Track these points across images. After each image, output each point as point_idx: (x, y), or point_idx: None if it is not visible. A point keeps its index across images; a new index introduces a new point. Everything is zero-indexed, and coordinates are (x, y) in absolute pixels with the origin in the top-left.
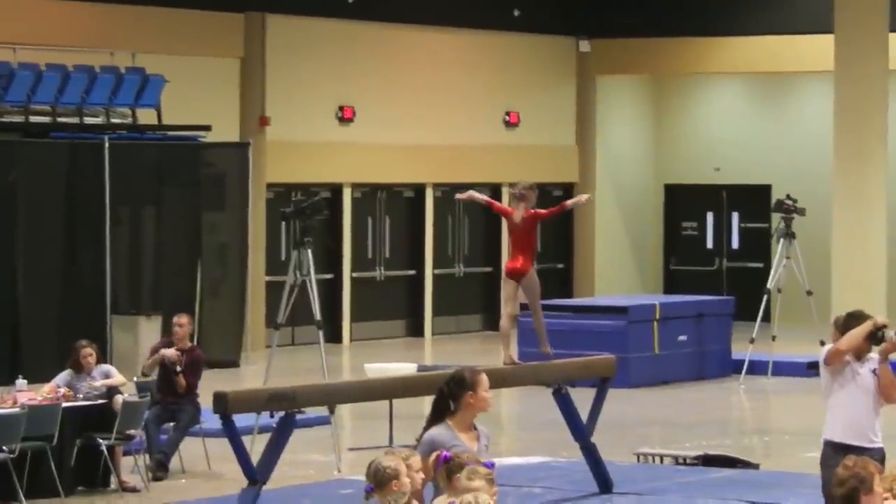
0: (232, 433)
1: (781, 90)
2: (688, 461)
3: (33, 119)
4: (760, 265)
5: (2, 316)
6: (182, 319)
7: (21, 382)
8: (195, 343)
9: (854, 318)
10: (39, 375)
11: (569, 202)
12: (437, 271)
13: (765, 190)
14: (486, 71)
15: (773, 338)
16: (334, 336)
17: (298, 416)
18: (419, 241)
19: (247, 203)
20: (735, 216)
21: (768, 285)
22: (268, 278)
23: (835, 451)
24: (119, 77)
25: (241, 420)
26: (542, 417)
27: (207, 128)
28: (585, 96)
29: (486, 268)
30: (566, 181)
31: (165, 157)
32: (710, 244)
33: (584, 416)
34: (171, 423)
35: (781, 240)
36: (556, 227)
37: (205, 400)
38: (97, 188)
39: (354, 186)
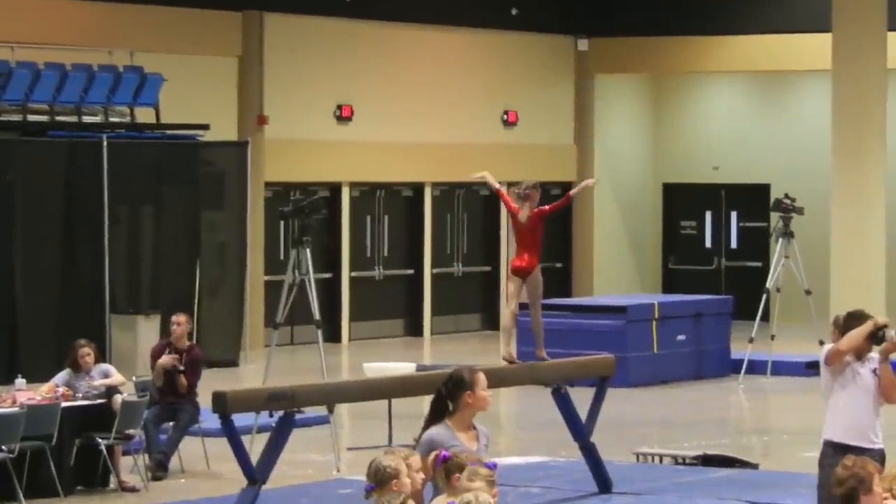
0: (231, 433)
1: (780, 89)
2: (687, 461)
3: (31, 118)
4: (759, 264)
5: (0, 315)
6: (180, 318)
7: (20, 382)
8: (194, 342)
9: (854, 318)
10: (37, 375)
11: (573, 190)
12: (435, 270)
13: (763, 189)
14: (485, 70)
15: (772, 337)
16: (333, 335)
17: (297, 416)
18: (418, 241)
19: (245, 202)
20: (734, 215)
21: (767, 285)
22: (266, 277)
23: (835, 452)
24: (117, 76)
25: (240, 419)
26: (541, 417)
27: (206, 126)
28: (584, 95)
29: (484, 267)
30: (564, 180)
31: (164, 155)
32: (708, 243)
33: (582, 415)
34: (171, 423)
35: (780, 239)
36: (554, 227)
37: (204, 399)
38: (95, 187)
39: (353, 185)
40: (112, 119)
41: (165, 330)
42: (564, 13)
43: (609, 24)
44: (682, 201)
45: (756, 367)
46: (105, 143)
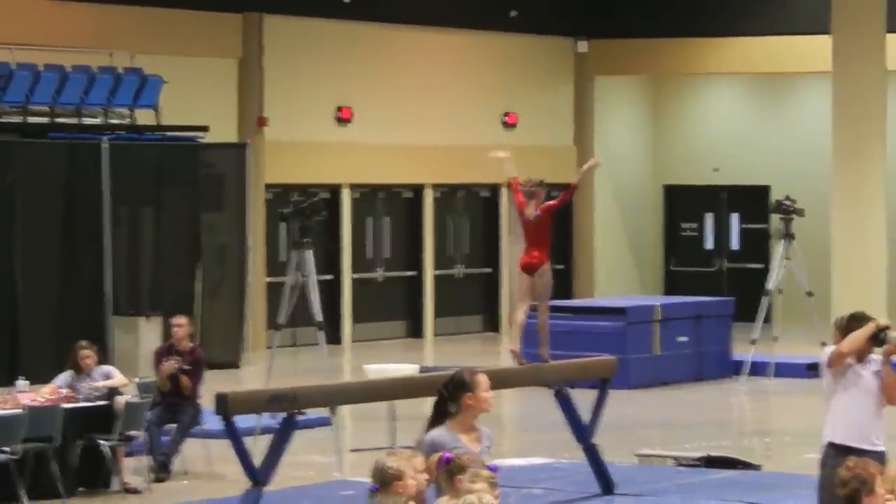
0: (233, 434)
1: (780, 91)
2: (689, 462)
3: (31, 120)
4: (760, 266)
5: (1, 317)
6: (180, 320)
7: (22, 383)
8: (196, 343)
9: (856, 320)
10: (38, 376)
11: (577, 178)
12: (437, 272)
13: (764, 190)
14: (485, 71)
15: (775, 338)
16: (335, 337)
17: (299, 418)
18: (419, 242)
19: (245, 204)
20: (734, 217)
21: (768, 286)
22: (267, 279)
23: (836, 453)
24: (117, 78)
25: (242, 421)
26: (544, 418)
27: (206, 128)
28: (583, 97)
29: (486, 268)
30: (564, 182)
31: (164, 157)
32: (709, 245)
33: (584, 417)
34: (173, 425)
35: (781, 241)
36: (555, 228)
37: (206, 401)
38: (96, 189)
39: (353, 187)
40: (112, 121)
41: (167, 331)
42: (564, 15)
43: (609, 25)
44: (682, 203)
45: (758, 369)
46: (105, 145)
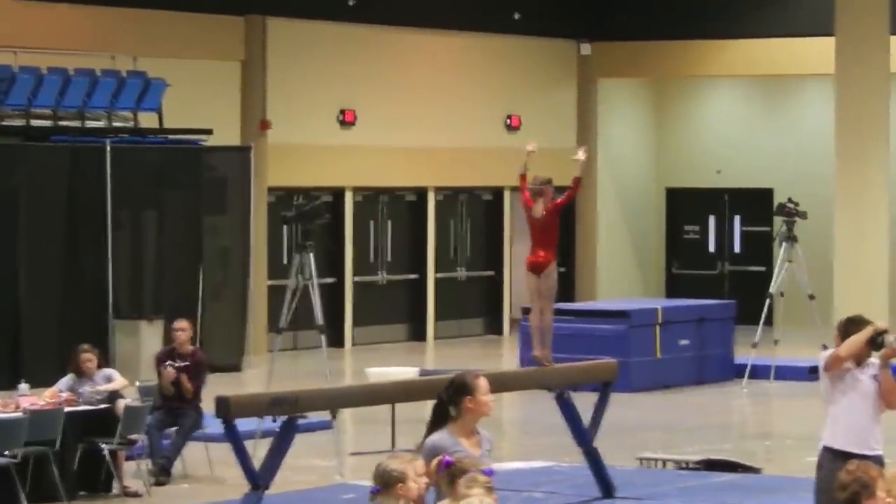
0: (234, 438)
1: (782, 93)
2: (690, 466)
3: (34, 123)
4: (762, 269)
5: (3, 320)
6: (182, 324)
7: (23, 387)
8: (198, 346)
9: (853, 324)
10: (40, 380)
11: (580, 171)
12: (439, 275)
13: (766, 193)
14: (487, 74)
15: (776, 342)
16: (336, 340)
17: (300, 421)
18: (421, 245)
19: (248, 207)
20: (737, 220)
21: (770, 289)
22: (269, 282)
23: (834, 457)
24: (120, 81)
25: (243, 424)
26: (545, 422)
27: (209, 131)
28: (586, 99)
29: (488, 271)
30: (567, 185)
31: (167, 160)
32: (711, 248)
33: (585, 420)
34: (174, 428)
35: (783, 243)
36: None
37: (207, 404)
38: (98, 192)
39: (356, 190)
40: (115, 124)
41: (168, 335)
42: (567, 17)
43: (611, 28)
44: (685, 206)
45: (760, 372)
46: (108, 148)
